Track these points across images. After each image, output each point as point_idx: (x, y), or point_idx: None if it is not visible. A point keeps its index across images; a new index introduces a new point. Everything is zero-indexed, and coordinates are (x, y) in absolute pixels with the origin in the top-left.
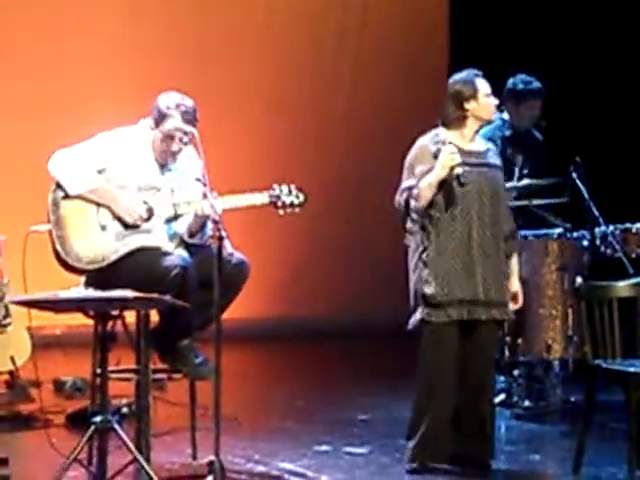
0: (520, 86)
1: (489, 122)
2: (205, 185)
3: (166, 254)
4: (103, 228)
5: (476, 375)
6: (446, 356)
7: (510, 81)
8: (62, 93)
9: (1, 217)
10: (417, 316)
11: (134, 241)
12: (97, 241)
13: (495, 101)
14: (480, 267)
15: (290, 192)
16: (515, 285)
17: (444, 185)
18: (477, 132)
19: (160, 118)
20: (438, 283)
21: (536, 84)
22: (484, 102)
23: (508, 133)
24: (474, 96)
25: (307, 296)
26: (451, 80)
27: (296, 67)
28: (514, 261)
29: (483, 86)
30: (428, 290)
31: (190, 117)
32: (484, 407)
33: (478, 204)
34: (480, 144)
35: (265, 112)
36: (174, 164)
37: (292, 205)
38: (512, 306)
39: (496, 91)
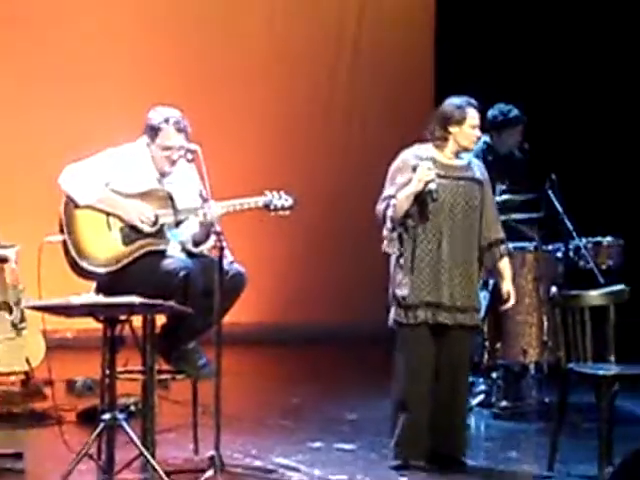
0: (500, 117)
1: (466, 150)
2: (204, 192)
3: (171, 257)
4: (114, 234)
5: (449, 377)
6: (419, 357)
7: (490, 112)
8: (73, 114)
9: (16, 228)
10: (391, 315)
11: (143, 246)
12: (109, 246)
13: (478, 134)
14: (447, 274)
15: (280, 197)
16: (507, 286)
17: (419, 198)
18: (460, 152)
19: (154, 133)
20: (410, 287)
21: (514, 113)
22: (467, 131)
23: (490, 157)
24: (460, 123)
25: (301, 302)
26: (447, 101)
27: (294, 92)
28: (505, 265)
29: (472, 117)
30: (400, 292)
31: (181, 126)
32: (457, 407)
33: (450, 217)
34: (462, 159)
35: (262, 129)
36: (172, 175)
37: (283, 208)
38: (506, 305)
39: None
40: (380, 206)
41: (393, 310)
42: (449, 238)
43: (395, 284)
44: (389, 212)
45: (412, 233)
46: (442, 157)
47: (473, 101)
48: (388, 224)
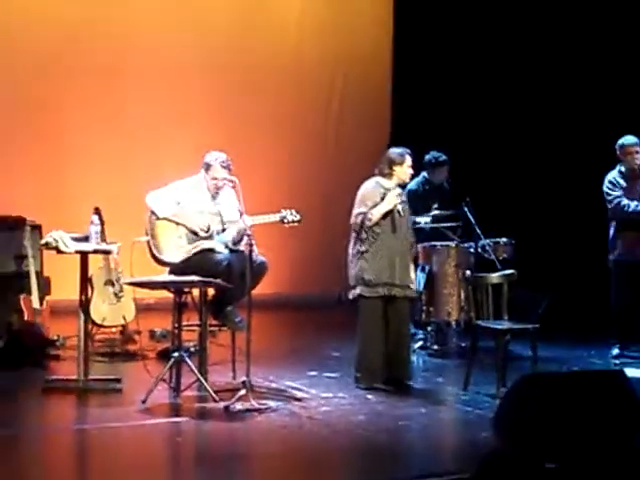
0: (433, 160)
1: (404, 183)
2: (241, 209)
3: (218, 253)
4: (180, 237)
5: (399, 331)
6: (376, 318)
7: (426, 157)
8: (154, 149)
9: (117, 231)
10: (357, 291)
11: (200, 245)
12: (177, 245)
13: (412, 172)
14: (398, 264)
15: (292, 213)
16: (412, 275)
17: (388, 214)
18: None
19: (207, 168)
20: (373, 271)
21: (443, 157)
22: (405, 170)
23: (427, 187)
24: (401, 164)
25: (303, 279)
26: (392, 149)
27: (298, 131)
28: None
29: (408, 161)
30: (366, 276)
31: (225, 165)
32: (404, 347)
33: (400, 226)
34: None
35: (280, 160)
36: (220, 197)
37: (293, 222)
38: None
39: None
40: (356, 219)
41: (359, 288)
42: (401, 241)
43: (362, 270)
44: (366, 222)
45: (377, 237)
46: (392, 187)
47: (409, 151)
48: (361, 231)
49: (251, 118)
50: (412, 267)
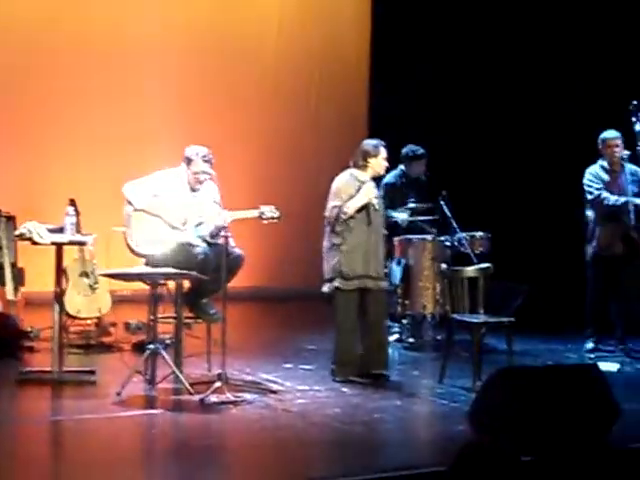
0: (410, 153)
1: (379, 174)
2: (219, 205)
3: (195, 246)
4: (157, 229)
5: (373, 320)
6: (351, 311)
7: (404, 150)
8: (131, 140)
9: (93, 222)
10: (334, 284)
11: (177, 237)
12: (153, 237)
13: (386, 164)
14: (372, 257)
15: (271, 210)
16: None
17: (363, 208)
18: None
19: (188, 162)
20: (348, 265)
21: (420, 151)
22: (380, 162)
23: (405, 180)
24: (375, 156)
25: (278, 272)
26: (366, 141)
27: (276, 127)
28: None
29: (383, 153)
30: (343, 269)
31: (207, 159)
32: (381, 340)
33: (375, 219)
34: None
35: (259, 157)
36: (199, 191)
37: (272, 218)
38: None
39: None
40: (331, 213)
41: (335, 281)
42: (375, 234)
43: (339, 263)
44: (342, 215)
45: (351, 231)
46: (367, 180)
47: (383, 143)
48: (336, 224)
49: (229, 114)
50: (383, 259)
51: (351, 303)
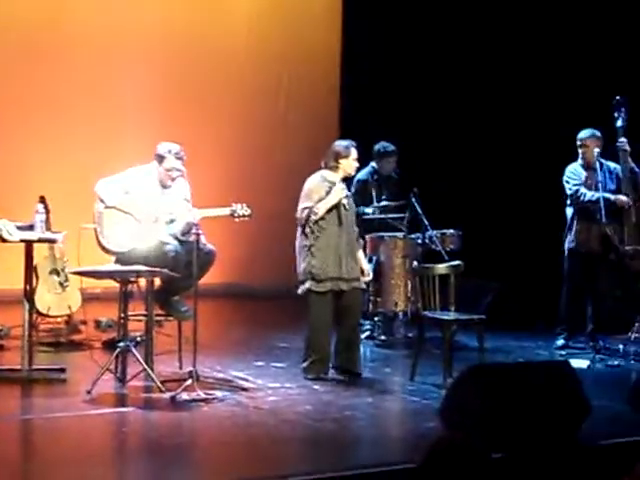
0: (381, 150)
1: (350, 175)
2: (189, 202)
3: (166, 243)
4: (128, 227)
5: (348, 320)
6: (325, 311)
7: (375, 147)
8: (101, 136)
9: (63, 219)
10: (306, 286)
11: (148, 235)
12: (125, 235)
13: (357, 164)
14: (345, 258)
15: (242, 207)
16: (365, 265)
17: (333, 208)
18: (345, 178)
19: (160, 159)
20: (320, 266)
21: (391, 147)
22: (351, 163)
23: (376, 177)
24: (346, 157)
25: (250, 270)
26: (337, 142)
27: (246, 127)
28: (360, 253)
29: (354, 154)
30: (315, 271)
31: (179, 156)
32: (354, 338)
33: (346, 220)
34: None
35: (229, 155)
36: (170, 189)
37: (244, 216)
38: (366, 278)
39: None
40: (302, 214)
41: (307, 283)
42: (346, 235)
43: (310, 265)
44: (312, 216)
45: (323, 231)
46: (337, 180)
47: (354, 143)
48: (307, 225)
49: (200, 113)
50: (362, 257)
51: (325, 304)
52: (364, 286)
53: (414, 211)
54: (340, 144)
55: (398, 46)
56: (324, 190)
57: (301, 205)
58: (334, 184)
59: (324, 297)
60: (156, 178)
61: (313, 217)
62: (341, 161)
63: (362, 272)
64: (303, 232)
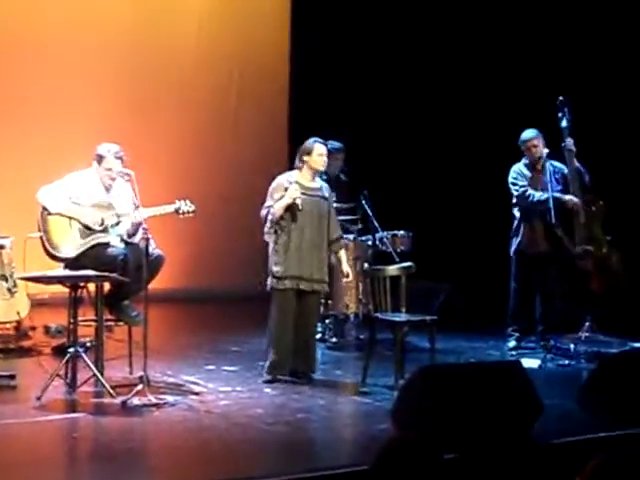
0: (329, 147)
1: (318, 171)
2: (136, 201)
3: (113, 247)
4: (74, 232)
5: (305, 323)
6: (285, 311)
7: None
8: (46, 141)
9: (8, 225)
10: (268, 283)
11: (94, 239)
12: (71, 240)
13: (324, 159)
14: (307, 258)
15: (186, 204)
16: (345, 267)
17: (290, 208)
18: (315, 175)
19: (100, 159)
20: (281, 265)
21: (337, 145)
22: (315, 158)
23: (325, 177)
24: (309, 153)
25: (199, 273)
26: (306, 141)
27: (196, 126)
28: (343, 253)
29: (318, 148)
30: (275, 268)
31: (118, 156)
32: (310, 341)
33: (309, 221)
34: (317, 183)
35: (178, 155)
36: (114, 189)
37: (188, 212)
38: (345, 279)
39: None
40: (263, 212)
41: (269, 280)
42: (308, 234)
43: (272, 263)
44: (269, 216)
45: (284, 230)
46: (305, 181)
47: (320, 139)
48: (268, 224)
49: (149, 113)
50: (343, 257)
51: (285, 303)
52: (327, 289)
53: (364, 213)
54: (306, 142)
55: (347, 45)
56: (283, 190)
57: (266, 203)
58: (295, 183)
59: (285, 295)
60: (98, 181)
61: (271, 217)
62: (305, 158)
63: (342, 273)
64: (266, 231)
